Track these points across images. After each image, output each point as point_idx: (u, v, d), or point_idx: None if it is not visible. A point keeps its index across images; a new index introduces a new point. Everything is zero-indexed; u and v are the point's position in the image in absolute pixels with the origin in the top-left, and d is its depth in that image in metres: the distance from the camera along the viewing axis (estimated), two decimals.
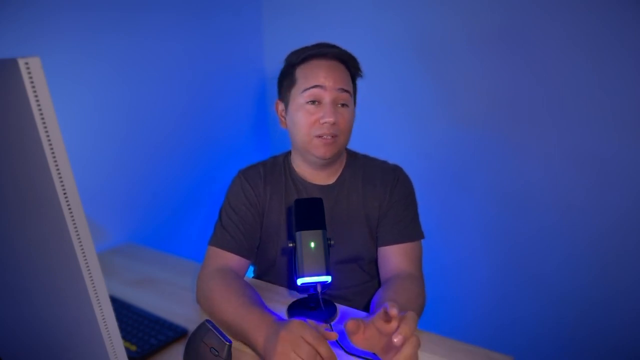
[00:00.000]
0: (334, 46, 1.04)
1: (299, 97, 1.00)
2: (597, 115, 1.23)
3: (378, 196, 1.06)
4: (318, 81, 0.98)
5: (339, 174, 1.09)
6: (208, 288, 0.92)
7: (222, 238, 1.01)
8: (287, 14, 1.71)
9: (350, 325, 0.71)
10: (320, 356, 0.68)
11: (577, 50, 1.23)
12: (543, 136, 1.32)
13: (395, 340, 0.66)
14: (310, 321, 0.74)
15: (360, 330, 0.72)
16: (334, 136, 0.99)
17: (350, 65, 1.05)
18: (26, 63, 0.41)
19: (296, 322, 0.71)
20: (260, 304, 0.86)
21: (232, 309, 0.84)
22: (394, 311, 0.69)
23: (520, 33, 1.29)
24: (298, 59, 1.03)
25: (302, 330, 0.69)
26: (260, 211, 1.07)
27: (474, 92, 1.41)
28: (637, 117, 1.18)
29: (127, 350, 0.80)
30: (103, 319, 0.52)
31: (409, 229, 1.04)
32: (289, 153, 1.14)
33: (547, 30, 1.26)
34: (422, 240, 1.06)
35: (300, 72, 1.02)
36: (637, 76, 1.16)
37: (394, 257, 1.02)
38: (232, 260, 1.00)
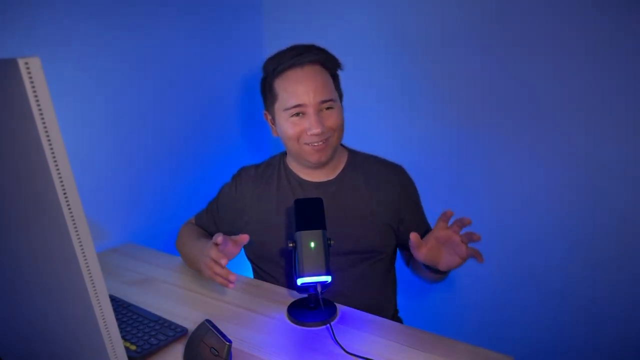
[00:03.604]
0: (306, 51, 1.01)
1: (283, 112, 1.02)
2: (598, 115, 1.23)
3: (387, 196, 1.08)
4: (298, 100, 0.98)
5: (338, 171, 1.10)
6: (181, 228, 1.22)
7: (200, 216, 1.23)
8: (287, 13, 1.71)
9: (413, 237, 0.87)
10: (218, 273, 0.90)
11: (578, 50, 1.22)
12: (543, 135, 1.32)
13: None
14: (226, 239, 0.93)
15: (422, 244, 0.88)
16: (325, 140, 1.00)
17: (327, 65, 1.04)
18: (26, 63, 0.41)
19: (206, 249, 0.93)
20: (204, 240, 1.06)
21: (188, 243, 1.11)
22: (450, 211, 0.88)
23: (521, 33, 1.29)
24: (274, 71, 1.02)
25: (207, 254, 0.92)
26: (242, 213, 1.12)
27: (474, 91, 1.41)
28: (637, 117, 1.18)
29: (127, 350, 0.80)
30: (103, 319, 0.52)
31: (428, 228, 1.13)
32: (285, 153, 1.15)
33: (547, 30, 1.25)
34: None
35: (279, 87, 1.02)
36: (639, 76, 1.16)
37: None
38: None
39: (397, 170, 1.13)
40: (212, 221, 1.19)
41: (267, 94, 1.07)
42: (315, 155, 1.01)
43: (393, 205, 1.08)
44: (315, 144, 1.00)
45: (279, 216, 1.07)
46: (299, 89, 0.99)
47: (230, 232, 1.16)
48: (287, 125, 1.01)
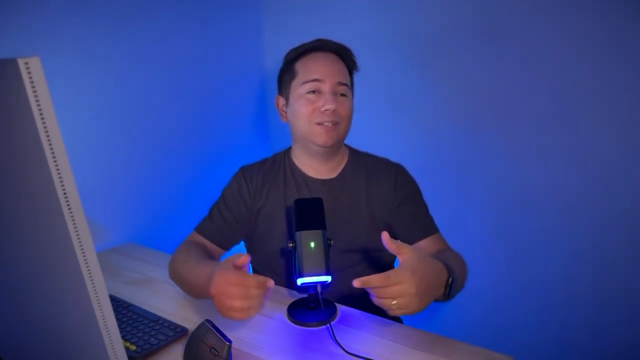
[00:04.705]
0: (331, 40, 1.08)
1: (300, 88, 1.04)
2: (597, 115, 1.23)
3: (383, 192, 1.09)
4: (317, 74, 1.02)
5: (340, 168, 1.11)
6: (174, 255, 1.02)
7: (203, 225, 1.10)
8: (288, 14, 1.71)
9: (384, 235, 0.77)
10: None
11: (578, 50, 1.23)
12: (543, 136, 1.32)
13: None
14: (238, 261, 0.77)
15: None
16: (335, 123, 1.02)
17: (346, 59, 1.09)
18: (26, 63, 0.41)
19: (220, 271, 0.76)
20: (211, 261, 0.93)
21: (188, 266, 0.93)
22: (357, 282, 0.74)
23: (521, 32, 1.29)
24: (297, 53, 1.07)
25: (228, 277, 0.74)
26: (253, 208, 1.10)
27: (474, 91, 1.41)
28: (637, 117, 1.18)
29: (127, 350, 0.80)
30: (103, 319, 0.52)
31: (430, 222, 1.09)
32: (289, 149, 1.15)
33: (548, 29, 1.26)
34: None
35: (300, 65, 1.06)
36: (638, 75, 1.16)
37: (426, 247, 1.05)
38: (207, 243, 1.08)
39: (393, 167, 1.13)
40: (222, 223, 1.08)
41: (285, 76, 1.09)
42: (323, 137, 1.02)
43: (385, 199, 1.09)
44: (326, 124, 1.01)
45: (284, 212, 1.08)
46: (318, 66, 1.03)
47: (244, 227, 1.11)
48: (301, 102, 1.03)
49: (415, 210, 1.09)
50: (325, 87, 1.02)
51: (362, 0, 1.54)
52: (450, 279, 0.80)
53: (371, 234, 1.07)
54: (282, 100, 1.11)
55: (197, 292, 0.90)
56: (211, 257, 1.03)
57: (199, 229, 1.10)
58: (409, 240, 1.07)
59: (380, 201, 1.08)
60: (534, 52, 1.28)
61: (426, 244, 1.05)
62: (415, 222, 1.08)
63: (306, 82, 1.03)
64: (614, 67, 1.18)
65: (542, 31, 1.26)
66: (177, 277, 0.98)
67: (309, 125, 1.03)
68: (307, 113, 1.02)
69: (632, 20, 1.14)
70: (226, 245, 1.10)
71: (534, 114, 1.32)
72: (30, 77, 0.42)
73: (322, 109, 1.01)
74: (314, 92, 1.02)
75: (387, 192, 1.09)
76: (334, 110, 1.01)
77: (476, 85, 1.40)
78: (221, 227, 1.08)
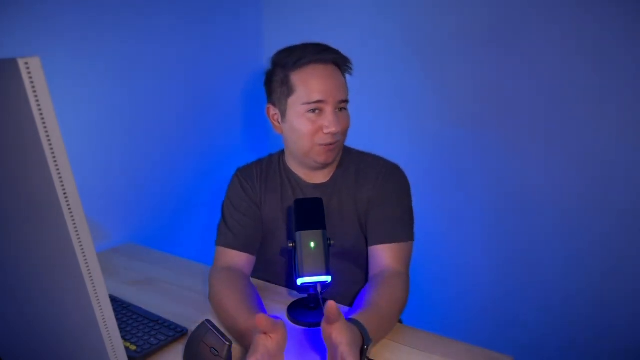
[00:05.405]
0: (327, 49, 1.01)
1: (299, 107, 0.98)
2: (597, 115, 1.23)
3: (367, 190, 1.05)
4: (320, 96, 0.97)
5: (332, 172, 1.10)
6: (213, 286, 0.96)
7: (225, 237, 1.04)
8: (288, 15, 1.71)
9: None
10: None
11: (578, 50, 1.22)
12: (543, 136, 1.32)
13: None
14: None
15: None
16: (336, 141, 1.00)
17: (343, 68, 1.04)
18: (26, 63, 0.41)
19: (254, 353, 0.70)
20: (255, 305, 0.89)
21: (231, 307, 0.88)
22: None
23: (520, 33, 1.29)
24: (293, 64, 0.99)
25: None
26: (256, 200, 1.08)
27: (473, 92, 1.41)
28: (637, 117, 1.18)
29: (127, 350, 0.80)
30: (103, 319, 0.52)
31: (399, 228, 1.01)
32: (283, 152, 1.14)
33: (547, 30, 1.26)
34: (415, 242, 1.04)
35: (298, 80, 0.98)
36: (637, 75, 1.16)
37: (382, 255, 1.00)
38: (237, 257, 1.02)
39: (384, 166, 1.09)
40: (240, 228, 1.05)
41: (278, 87, 1.02)
42: (323, 156, 1.00)
43: (369, 197, 1.05)
44: (328, 144, 0.99)
45: (282, 214, 1.08)
46: (322, 85, 0.97)
47: (260, 224, 1.09)
48: (302, 121, 0.98)
49: (391, 212, 1.02)
50: (328, 107, 0.97)
51: (362, 1, 1.54)
52: (365, 347, 0.75)
53: (358, 235, 1.06)
54: (274, 110, 1.05)
55: (234, 332, 0.86)
56: (244, 278, 0.99)
57: (220, 242, 1.04)
58: (371, 240, 1.02)
59: (364, 199, 1.06)
60: (534, 53, 1.28)
61: (382, 252, 0.99)
62: (387, 223, 1.01)
63: (308, 103, 0.97)
64: (614, 67, 1.18)
65: (543, 32, 1.26)
66: (218, 316, 0.94)
67: (311, 146, 0.99)
68: (309, 133, 0.98)
69: (632, 21, 1.14)
70: (252, 250, 1.05)
71: (534, 114, 1.32)
72: (30, 77, 0.42)
73: (326, 131, 0.97)
74: (314, 110, 0.98)
75: (371, 191, 1.05)
76: (338, 131, 0.98)
77: (476, 85, 1.40)
78: (241, 233, 1.04)
